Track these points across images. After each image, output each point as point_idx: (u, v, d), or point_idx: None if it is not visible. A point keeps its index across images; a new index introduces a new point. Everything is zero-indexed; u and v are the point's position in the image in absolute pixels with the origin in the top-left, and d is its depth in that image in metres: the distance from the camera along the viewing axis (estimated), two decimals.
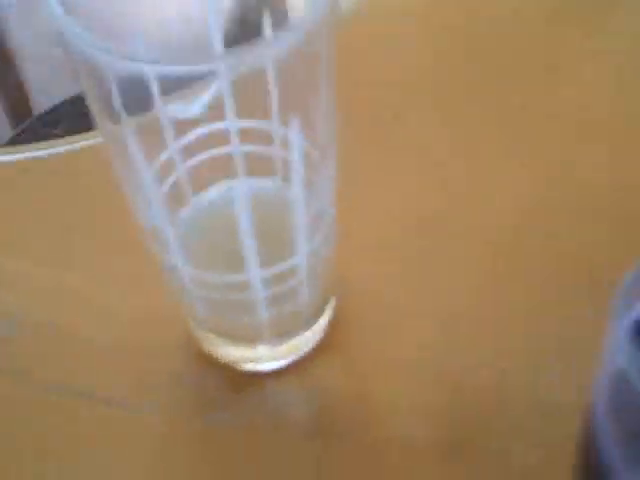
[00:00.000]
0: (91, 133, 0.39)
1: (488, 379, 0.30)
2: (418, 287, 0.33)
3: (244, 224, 0.24)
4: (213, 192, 0.30)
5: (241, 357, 0.31)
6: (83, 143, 0.40)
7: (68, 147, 0.40)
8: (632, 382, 0.16)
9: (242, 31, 0.29)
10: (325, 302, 0.31)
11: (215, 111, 0.28)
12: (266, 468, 0.29)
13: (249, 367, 0.31)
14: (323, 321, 0.31)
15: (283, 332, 0.30)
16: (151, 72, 0.21)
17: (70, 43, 0.21)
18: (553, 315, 0.31)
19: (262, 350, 0.30)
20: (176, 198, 0.29)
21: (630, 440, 0.18)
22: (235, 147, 0.29)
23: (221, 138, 0.29)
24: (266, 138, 0.29)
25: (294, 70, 0.23)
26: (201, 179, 0.30)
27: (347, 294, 0.32)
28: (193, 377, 0.31)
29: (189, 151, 0.29)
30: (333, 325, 0.32)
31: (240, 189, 0.25)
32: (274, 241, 0.26)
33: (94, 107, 0.24)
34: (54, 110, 0.82)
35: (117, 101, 0.23)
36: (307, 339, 0.31)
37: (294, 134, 0.24)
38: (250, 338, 0.30)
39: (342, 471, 0.29)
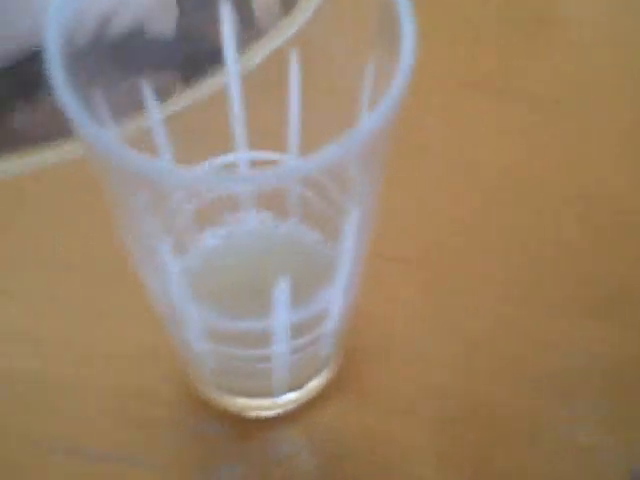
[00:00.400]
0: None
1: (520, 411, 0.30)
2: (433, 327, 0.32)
3: (280, 309, 0.22)
4: (214, 239, 0.27)
5: (248, 407, 0.29)
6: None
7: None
8: None
9: None
10: (338, 352, 0.29)
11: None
12: None
13: (254, 414, 0.29)
14: (333, 364, 0.29)
15: (297, 384, 0.28)
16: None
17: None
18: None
19: (268, 402, 0.28)
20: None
21: None
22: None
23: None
24: None
25: None
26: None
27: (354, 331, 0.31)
28: (193, 426, 0.29)
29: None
30: (341, 366, 0.30)
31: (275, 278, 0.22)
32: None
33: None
34: None
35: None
36: (316, 384, 0.29)
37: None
38: (261, 394, 0.28)
39: None
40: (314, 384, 0.29)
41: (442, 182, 0.35)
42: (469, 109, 0.37)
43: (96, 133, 0.17)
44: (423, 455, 0.29)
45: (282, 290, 0.21)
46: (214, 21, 0.24)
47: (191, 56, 0.30)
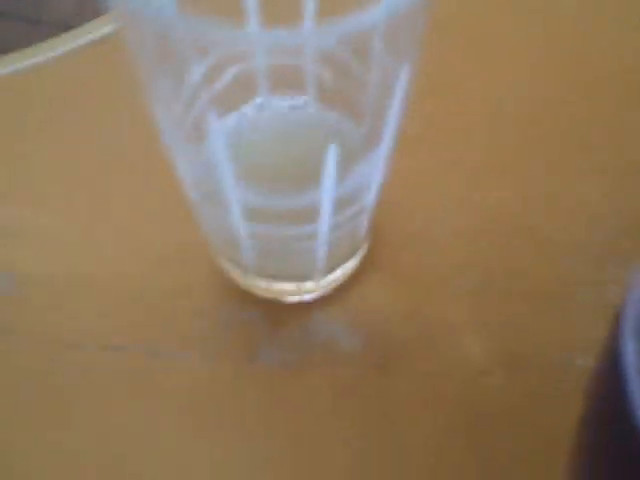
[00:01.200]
0: None
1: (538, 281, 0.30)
2: (452, 199, 0.31)
3: (327, 181, 0.22)
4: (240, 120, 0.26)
5: (284, 292, 0.29)
6: None
7: None
8: None
9: None
10: (371, 229, 0.29)
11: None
12: (323, 405, 0.28)
13: (291, 300, 0.29)
14: (366, 245, 0.29)
15: (335, 265, 0.28)
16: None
17: None
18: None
19: (309, 284, 0.28)
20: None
21: None
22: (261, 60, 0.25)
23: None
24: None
25: None
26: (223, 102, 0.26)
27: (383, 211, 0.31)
28: (230, 315, 0.29)
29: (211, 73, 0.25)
30: (372, 247, 0.30)
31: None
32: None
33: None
34: None
35: None
36: (352, 264, 0.29)
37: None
38: (299, 276, 0.28)
39: (403, 400, 0.28)
40: (350, 265, 0.29)
41: (466, 61, 0.35)
42: None
43: None
44: (460, 326, 0.29)
45: (331, 160, 0.21)
46: None
47: None
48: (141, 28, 0.19)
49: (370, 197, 0.24)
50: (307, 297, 0.29)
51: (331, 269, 0.28)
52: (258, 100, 0.27)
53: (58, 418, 0.27)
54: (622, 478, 0.16)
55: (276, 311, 0.29)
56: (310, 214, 0.23)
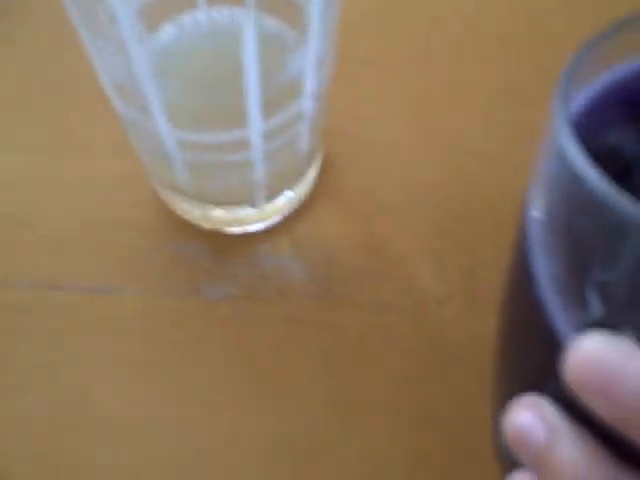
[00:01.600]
0: None
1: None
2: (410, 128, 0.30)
3: (250, 69, 0.20)
4: (185, 23, 0.25)
5: (227, 220, 0.27)
6: None
7: None
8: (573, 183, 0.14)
9: None
10: (315, 152, 0.28)
11: None
12: (267, 338, 0.26)
13: (236, 230, 0.28)
14: (312, 173, 0.28)
15: (276, 190, 0.27)
16: None
17: None
18: None
19: (250, 211, 0.27)
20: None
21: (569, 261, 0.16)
22: None
23: None
24: None
25: None
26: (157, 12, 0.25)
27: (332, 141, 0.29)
28: (176, 248, 0.28)
29: None
30: (320, 175, 0.29)
31: (242, 17, 0.20)
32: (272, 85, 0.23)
33: None
34: None
35: None
36: (296, 194, 0.28)
37: None
38: (239, 199, 0.26)
39: (353, 331, 0.27)
40: (296, 192, 0.27)
41: None
42: None
43: None
44: (414, 255, 0.28)
45: (249, 50, 0.19)
46: None
47: None
48: None
49: (305, 101, 0.23)
50: (251, 228, 0.27)
51: (274, 194, 0.27)
52: (195, 13, 0.25)
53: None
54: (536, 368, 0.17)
55: (220, 243, 0.28)
56: (239, 116, 0.22)
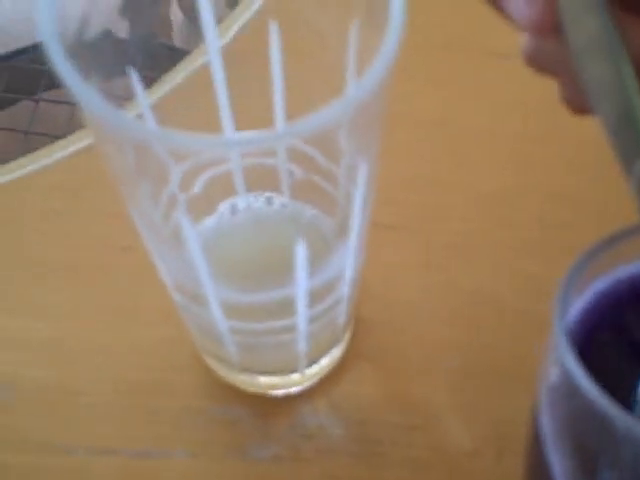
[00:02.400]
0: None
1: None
2: (431, 286, 0.32)
3: (299, 273, 0.23)
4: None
5: (269, 385, 0.29)
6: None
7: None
8: (573, 390, 0.16)
9: None
10: (351, 319, 0.30)
11: None
12: None
13: (277, 393, 0.29)
14: (347, 335, 0.30)
15: (316, 358, 0.28)
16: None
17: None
18: None
19: (294, 377, 0.29)
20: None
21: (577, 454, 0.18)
22: (235, 163, 0.27)
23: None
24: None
25: None
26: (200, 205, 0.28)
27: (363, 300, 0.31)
28: (218, 411, 0.30)
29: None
30: (354, 335, 0.31)
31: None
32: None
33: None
34: None
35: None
36: (333, 356, 0.30)
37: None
38: (283, 369, 0.28)
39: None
40: (332, 355, 0.29)
41: (421, 146, 0.36)
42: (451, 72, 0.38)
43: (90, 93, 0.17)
44: (445, 410, 0.30)
45: (300, 254, 0.22)
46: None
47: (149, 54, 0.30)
48: (118, 142, 0.21)
49: (345, 288, 0.25)
50: (293, 390, 0.29)
51: (314, 360, 0.29)
52: (233, 201, 0.28)
53: None
54: None
55: (263, 405, 0.29)
56: (286, 308, 0.24)
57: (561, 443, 0.17)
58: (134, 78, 0.24)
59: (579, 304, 0.18)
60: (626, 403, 0.15)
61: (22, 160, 0.35)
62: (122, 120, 0.18)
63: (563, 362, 0.16)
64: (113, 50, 0.24)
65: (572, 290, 0.17)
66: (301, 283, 0.23)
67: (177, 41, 0.61)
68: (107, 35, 0.23)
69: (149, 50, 0.30)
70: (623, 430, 0.15)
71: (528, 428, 0.20)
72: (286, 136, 0.19)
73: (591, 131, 0.22)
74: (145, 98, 0.25)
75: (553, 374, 0.17)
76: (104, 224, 0.33)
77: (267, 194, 0.28)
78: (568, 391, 0.16)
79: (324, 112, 0.18)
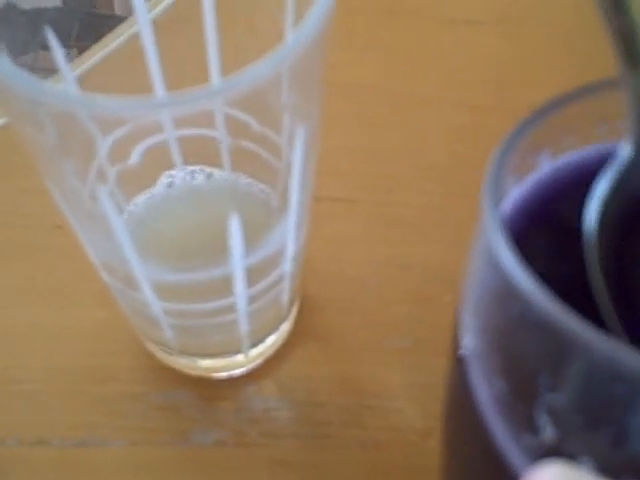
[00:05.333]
0: None
1: None
2: (380, 261, 0.31)
3: (235, 249, 0.21)
4: (155, 194, 0.26)
5: (214, 368, 0.28)
6: None
7: None
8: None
9: None
10: (296, 297, 0.28)
11: None
12: None
13: (222, 375, 0.28)
14: (293, 314, 0.29)
15: (260, 338, 0.27)
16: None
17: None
18: None
19: (238, 358, 0.27)
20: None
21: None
22: (170, 133, 0.25)
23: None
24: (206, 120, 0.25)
25: None
26: (134, 179, 0.26)
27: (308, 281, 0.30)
28: (158, 396, 0.28)
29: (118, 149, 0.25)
30: (298, 314, 0.30)
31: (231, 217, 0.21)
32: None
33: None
34: None
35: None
36: (278, 336, 0.28)
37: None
38: (225, 351, 0.27)
39: (342, 472, 0.27)
40: (277, 335, 0.28)
41: (365, 115, 0.35)
42: (395, 37, 0.37)
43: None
44: (396, 390, 0.29)
45: (235, 230, 0.20)
46: None
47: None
48: (36, 117, 0.19)
49: (287, 264, 0.24)
50: (236, 372, 0.28)
51: (258, 341, 0.27)
52: (169, 174, 0.26)
53: None
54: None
55: (206, 389, 0.28)
56: (224, 287, 0.22)
57: (488, 363, 0.14)
58: (54, 45, 0.22)
59: (516, 192, 0.15)
60: (574, 308, 0.11)
61: None
62: (37, 88, 0.17)
63: (497, 258, 0.12)
64: (26, 21, 0.22)
65: (507, 164, 0.14)
66: (237, 260, 0.21)
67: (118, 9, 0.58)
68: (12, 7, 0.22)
69: (75, 20, 0.28)
70: (575, 341, 0.11)
71: (448, 354, 0.18)
72: (219, 92, 0.17)
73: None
74: (69, 69, 0.23)
75: (480, 276, 0.14)
76: (34, 201, 0.32)
77: (204, 167, 0.26)
78: (500, 295, 0.13)
79: (259, 66, 0.16)
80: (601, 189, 0.14)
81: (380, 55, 0.36)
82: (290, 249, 0.23)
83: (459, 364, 0.15)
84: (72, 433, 0.27)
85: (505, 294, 0.12)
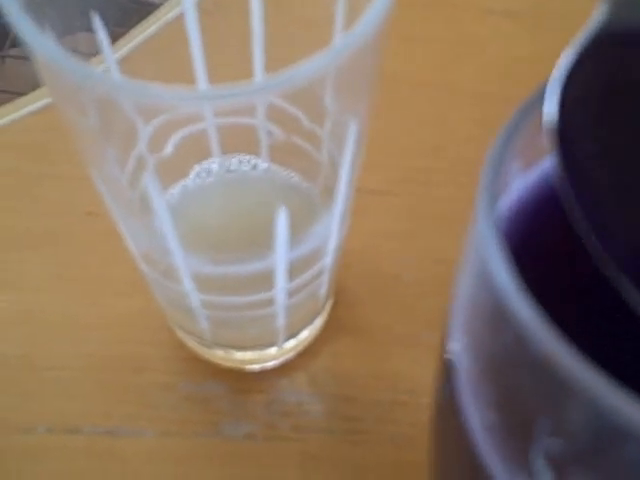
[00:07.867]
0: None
1: None
2: (417, 255, 0.31)
3: (280, 244, 0.21)
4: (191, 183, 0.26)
5: (245, 361, 0.27)
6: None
7: None
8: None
9: None
10: (332, 291, 0.28)
11: None
12: (292, 477, 0.26)
13: (253, 368, 0.28)
14: (328, 306, 0.28)
15: (297, 330, 0.27)
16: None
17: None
18: None
19: (271, 351, 0.27)
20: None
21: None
22: (210, 121, 0.25)
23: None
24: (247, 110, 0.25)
25: None
26: (170, 168, 0.26)
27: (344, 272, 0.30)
28: (190, 387, 0.28)
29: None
30: (334, 307, 0.29)
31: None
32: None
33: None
34: None
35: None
36: (312, 329, 0.28)
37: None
38: (260, 344, 0.27)
39: (375, 467, 0.27)
40: (312, 328, 0.28)
41: (407, 109, 0.34)
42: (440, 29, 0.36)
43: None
44: (428, 386, 0.28)
45: (282, 224, 0.20)
46: None
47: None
48: (79, 100, 0.19)
49: (328, 259, 0.24)
50: (269, 364, 0.28)
51: (293, 334, 0.27)
52: (208, 164, 0.26)
53: None
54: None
55: (238, 381, 0.28)
56: (265, 281, 0.22)
57: (483, 390, 0.12)
58: (99, 28, 0.22)
59: (520, 184, 0.13)
60: (578, 341, 0.10)
61: None
62: (83, 72, 0.16)
63: (490, 275, 0.10)
64: (71, 2, 0.22)
65: (508, 158, 0.12)
66: (282, 254, 0.21)
67: None
68: None
69: (118, 4, 0.28)
70: (576, 382, 0.09)
71: (436, 376, 0.16)
72: (264, 90, 0.17)
73: None
74: (111, 52, 0.22)
75: (471, 291, 0.12)
76: (64, 188, 0.31)
77: (245, 157, 0.26)
78: (494, 318, 0.11)
79: (307, 65, 0.16)
80: (566, 61, 0.12)
81: (416, 46, 0.36)
82: (332, 243, 0.23)
83: (449, 395, 0.14)
84: (103, 422, 0.27)
85: (499, 318, 0.10)
